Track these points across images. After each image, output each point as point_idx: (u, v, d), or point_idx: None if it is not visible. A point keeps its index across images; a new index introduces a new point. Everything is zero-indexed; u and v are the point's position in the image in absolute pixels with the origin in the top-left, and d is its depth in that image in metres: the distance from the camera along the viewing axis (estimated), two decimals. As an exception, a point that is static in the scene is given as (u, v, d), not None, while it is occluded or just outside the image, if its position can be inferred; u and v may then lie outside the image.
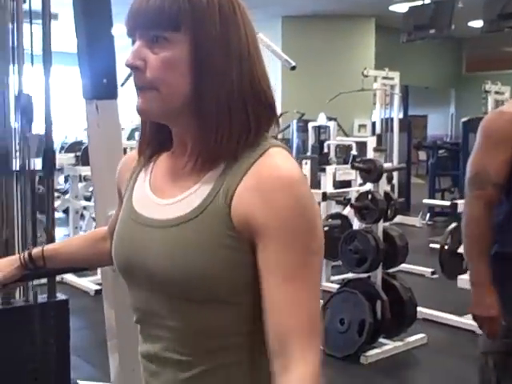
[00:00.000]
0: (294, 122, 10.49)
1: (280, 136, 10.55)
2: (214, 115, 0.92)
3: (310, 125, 8.89)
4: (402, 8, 9.45)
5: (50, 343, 1.85)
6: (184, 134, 0.97)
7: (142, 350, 1.03)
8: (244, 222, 0.89)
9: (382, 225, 4.03)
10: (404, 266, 5.74)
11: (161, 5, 0.91)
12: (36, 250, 1.31)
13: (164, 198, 0.97)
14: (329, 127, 8.39)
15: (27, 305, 1.85)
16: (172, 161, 1.00)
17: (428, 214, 9.06)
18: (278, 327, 0.89)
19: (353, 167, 4.08)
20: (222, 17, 0.93)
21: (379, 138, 8.51)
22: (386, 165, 5.77)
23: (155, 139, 1.03)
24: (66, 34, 8.57)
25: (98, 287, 5.01)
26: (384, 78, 8.91)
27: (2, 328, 1.95)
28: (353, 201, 4.45)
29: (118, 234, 1.02)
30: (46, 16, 2.22)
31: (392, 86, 9.08)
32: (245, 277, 0.92)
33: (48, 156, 2.19)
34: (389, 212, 4.13)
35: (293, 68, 3.74)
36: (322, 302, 4.18)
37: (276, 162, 0.91)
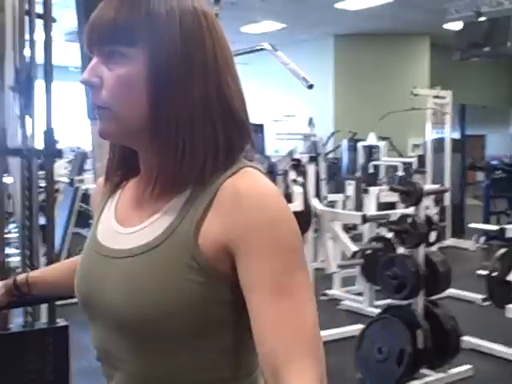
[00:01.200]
0: (345, 141, 10.36)
1: (331, 155, 10.46)
2: (173, 137, 0.85)
3: (360, 144, 8.74)
4: (456, 26, 9.22)
5: (48, 371, 1.79)
6: (148, 158, 0.91)
7: None
8: (217, 246, 0.82)
9: (423, 249, 3.85)
10: (453, 292, 5.57)
11: (116, 17, 0.85)
12: (21, 277, 1.29)
13: (128, 227, 0.91)
14: (380, 147, 8.21)
15: (25, 330, 1.82)
16: (138, 187, 0.95)
17: (483, 238, 8.71)
18: (267, 357, 0.80)
19: (391, 189, 3.93)
20: (183, 31, 0.86)
21: (421, 160, 8.22)
22: (428, 187, 5.55)
23: (124, 164, 0.97)
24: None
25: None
26: (435, 97, 8.68)
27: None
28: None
29: (80, 266, 0.97)
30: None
31: (443, 105, 8.83)
32: (216, 315, 0.84)
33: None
34: (431, 236, 3.94)
35: (310, 87, 3.62)
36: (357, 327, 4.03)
37: (248, 180, 0.85)
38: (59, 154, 2.01)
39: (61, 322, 1.95)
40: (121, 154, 0.97)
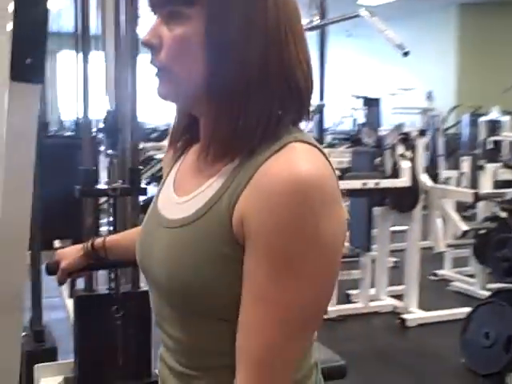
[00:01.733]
0: (467, 116, 9.85)
1: (453, 131, 10.00)
2: (228, 102, 0.83)
3: (481, 119, 8.26)
4: None
5: (130, 334, 1.84)
6: (205, 123, 0.90)
7: (161, 352, 0.99)
8: (239, 225, 0.80)
9: (538, 231, 3.59)
10: None
11: None
12: (98, 241, 1.32)
13: (181, 196, 0.91)
14: (503, 122, 7.70)
15: (109, 293, 1.85)
16: (197, 154, 0.93)
17: None
18: (236, 347, 0.82)
19: (505, 166, 3.68)
20: None
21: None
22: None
23: (189, 130, 0.97)
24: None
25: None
26: None
27: (83, 313, 1.96)
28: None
29: (140, 233, 0.99)
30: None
31: None
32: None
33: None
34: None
35: (405, 54, 3.43)
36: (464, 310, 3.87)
37: (288, 159, 0.79)
38: (144, 192, 2.03)
39: (144, 287, 2.00)
40: (185, 119, 0.96)
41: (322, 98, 9.13)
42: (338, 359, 2.11)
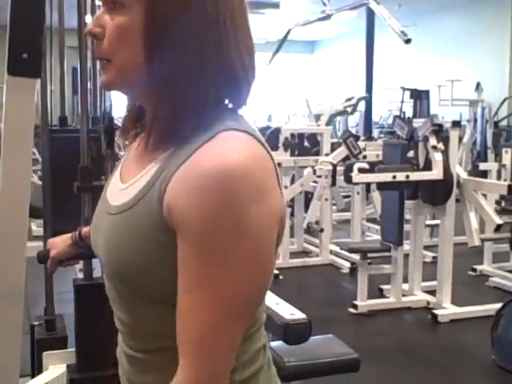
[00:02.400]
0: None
1: (505, 123, 9.67)
2: (167, 89, 0.84)
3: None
4: None
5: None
6: (148, 110, 0.91)
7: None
8: (168, 213, 0.81)
9: None
10: None
11: None
12: (85, 229, 1.33)
13: (125, 182, 0.93)
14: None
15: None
16: (143, 140, 0.95)
17: None
18: (176, 334, 0.82)
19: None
20: None
21: None
22: None
23: (138, 120, 0.98)
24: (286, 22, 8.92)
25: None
26: None
27: (83, 302, 2.01)
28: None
29: (92, 221, 1.01)
30: None
31: None
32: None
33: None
34: None
35: (407, 41, 3.33)
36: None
37: (215, 150, 0.79)
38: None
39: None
40: (135, 109, 0.97)
41: (369, 91, 9.03)
42: (352, 352, 2.12)
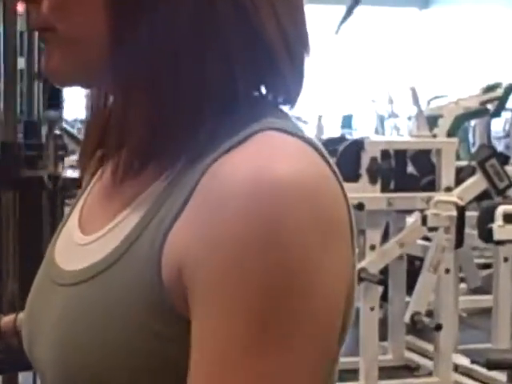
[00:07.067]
0: None
1: None
2: (148, 80, 0.66)
3: None
4: None
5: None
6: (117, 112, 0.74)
7: None
8: (175, 276, 0.60)
9: None
10: None
11: None
12: (9, 318, 1.07)
13: (88, 234, 0.73)
14: None
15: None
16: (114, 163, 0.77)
17: None
18: None
19: None
20: None
21: None
22: None
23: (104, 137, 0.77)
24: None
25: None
26: None
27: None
28: None
29: (28, 299, 0.82)
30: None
31: None
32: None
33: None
34: None
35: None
36: None
37: (256, 154, 0.59)
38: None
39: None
40: (100, 120, 0.76)
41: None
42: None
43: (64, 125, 5.36)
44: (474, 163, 4.45)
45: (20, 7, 2.49)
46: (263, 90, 0.66)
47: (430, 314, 4.32)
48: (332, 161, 0.62)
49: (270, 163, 0.56)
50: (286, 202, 0.55)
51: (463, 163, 4.87)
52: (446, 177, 4.37)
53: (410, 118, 6.69)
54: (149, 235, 0.62)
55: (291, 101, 0.66)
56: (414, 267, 4.70)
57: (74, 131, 5.04)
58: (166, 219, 0.60)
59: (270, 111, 0.64)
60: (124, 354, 0.62)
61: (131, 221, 0.65)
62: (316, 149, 0.61)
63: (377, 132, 8.48)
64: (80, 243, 0.71)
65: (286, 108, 0.66)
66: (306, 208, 0.56)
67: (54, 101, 3.48)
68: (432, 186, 4.51)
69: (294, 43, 0.66)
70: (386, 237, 4.61)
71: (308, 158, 0.60)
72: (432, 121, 5.42)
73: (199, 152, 0.61)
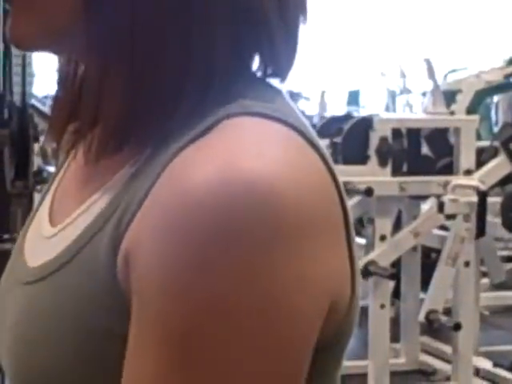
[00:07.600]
0: None
1: None
2: (121, 46, 0.64)
3: None
4: None
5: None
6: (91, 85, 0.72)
7: None
8: (126, 271, 0.60)
9: None
10: None
11: None
12: None
13: (55, 225, 0.73)
14: None
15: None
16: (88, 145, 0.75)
17: None
18: None
19: None
20: None
21: None
22: None
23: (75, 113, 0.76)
24: None
25: None
26: None
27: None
28: None
29: None
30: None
31: None
32: None
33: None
34: None
35: None
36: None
37: (221, 146, 0.58)
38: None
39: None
40: (72, 94, 0.75)
41: None
42: None
43: (34, 102, 5.12)
44: (496, 143, 4.38)
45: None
46: (248, 60, 0.64)
47: (447, 312, 4.26)
48: (324, 149, 0.60)
49: (230, 164, 0.55)
50: (249, 207, 0.54)
51: (485, 143, 4.80)
52: (466, 158, 4.32)
53: (424, 94, 6.46)
54: (111, 227, 0.62)
55: (282, 73, 0.64)
56: (429, 260, 4.63)
57: (45, 109, 4.78)
58: (126, 212, 0.60)
59: (253, 87, 0.63)
60: (78, 358, 0.62)
61: (95, 209, 0.65)
62: (303, 135, 0.59)
63: (387, 109, 8.23)
64: (46, 236, 0.72)
65: (276, 82, 0.65)
66: (282, 212, 0.55)
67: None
68: (449, 169, 4.43)
69: (289, 4, 0.65)
70: (397, 226, 4.51)
71: (288, 147, 0.58)
72: (449, 96, 5.22)
73: (166, 137, 0.61)
